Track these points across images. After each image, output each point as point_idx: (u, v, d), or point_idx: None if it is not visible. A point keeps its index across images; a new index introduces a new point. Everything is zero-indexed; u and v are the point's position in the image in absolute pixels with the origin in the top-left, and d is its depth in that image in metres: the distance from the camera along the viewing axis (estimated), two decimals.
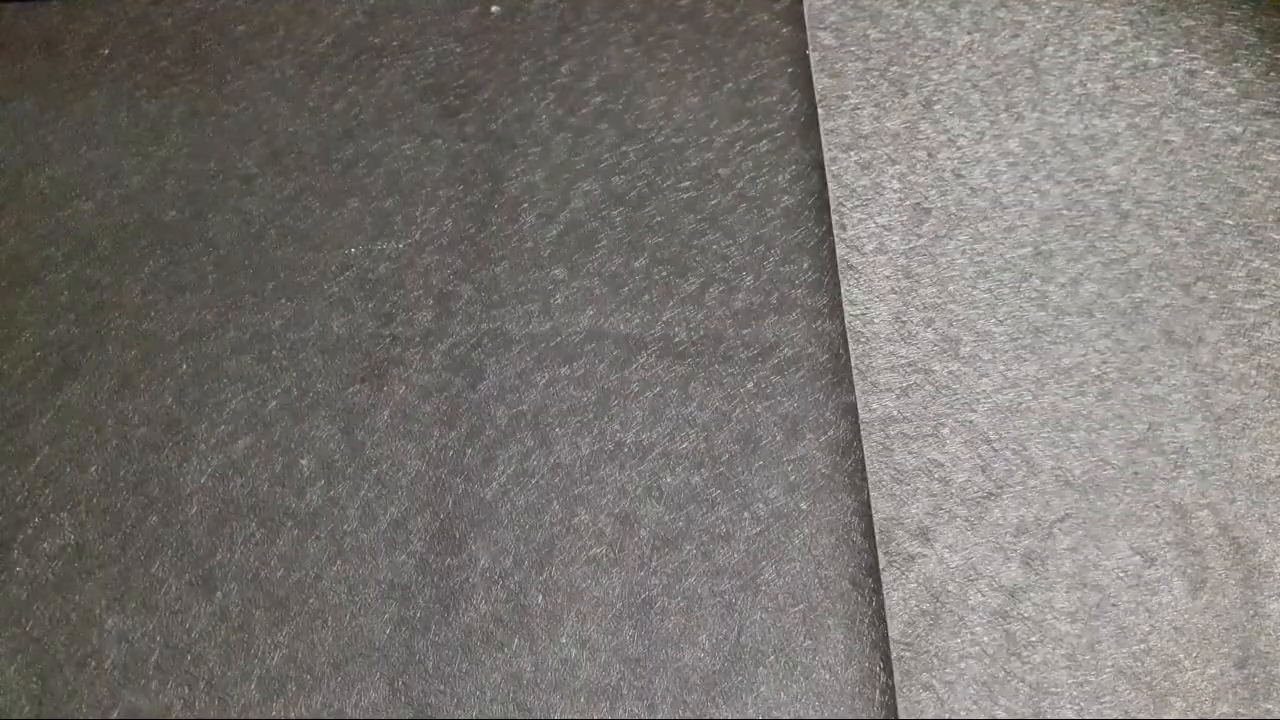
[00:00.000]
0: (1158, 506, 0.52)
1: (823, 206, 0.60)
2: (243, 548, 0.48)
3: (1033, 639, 0.47)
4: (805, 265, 0.57)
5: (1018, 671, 0.47)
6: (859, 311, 0.57)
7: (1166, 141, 0.64)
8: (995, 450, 0.53)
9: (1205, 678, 0.47)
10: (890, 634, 0.47)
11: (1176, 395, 0.55)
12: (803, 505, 0.49)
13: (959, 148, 0.64)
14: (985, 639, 0.47)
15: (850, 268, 0.59)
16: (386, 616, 0.46)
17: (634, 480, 0.50)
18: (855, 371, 0.54)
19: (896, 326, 0.57)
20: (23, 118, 0.65)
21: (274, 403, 0.52)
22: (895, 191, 0.63)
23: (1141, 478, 0.53)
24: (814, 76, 0.66)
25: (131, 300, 0.56)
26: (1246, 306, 0.59)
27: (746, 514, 0.49)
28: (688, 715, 0.44)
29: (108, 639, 0.46)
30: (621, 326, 0.55)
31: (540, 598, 0.47)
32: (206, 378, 0.53)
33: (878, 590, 0.47)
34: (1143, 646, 0.47)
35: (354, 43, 0.68)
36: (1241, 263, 0.60)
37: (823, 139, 0.63)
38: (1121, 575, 0.49)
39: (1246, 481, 0.53)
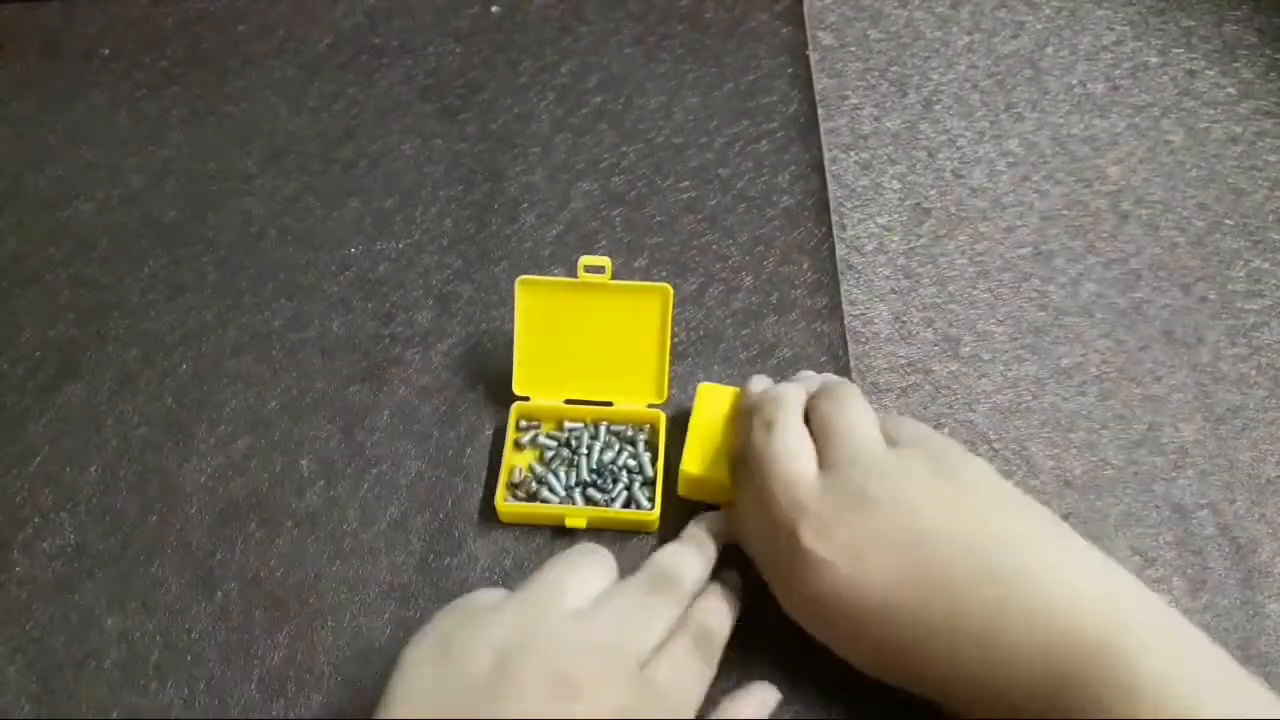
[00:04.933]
0: (1158, 506, 0.52)
1: (822, 207, 0.60)
2: (243, 548, 0.48)
3: None
4: (805, 265, 0.57)
5: None
6: (859, 312, 0.57)
7: (1166, 141, 0.64)
8: (995, 450, 0.53)
9: None
10: None
11: (1176, 395, 0.55)
12: None
13: (959, 148, 0.64)
14: None
15: (850, 268, 0.59)
16: (386, 616, 0.46)
17: None
18: (855, 371, 0.54)
19: (896, 327, 0.57)
20: (23, 118, 0.65)
21: (274, 403, 0.52)
22: (895, 192, 0.63)
23: (1141, 478, 0.53)
24: (814, 77, 0.66)
25: (131, 300, 0.56)
26: (1246, 306, 0.59)
27: None
28: None
29: (108, 639, 0.46)
30: None
31: None
32: (206, 378, 0.53)
33: None
34: None
35: (354, 43, 0.68)
36: (1241, 263, 0.60)
37: (823, 139, 0.63)
38: None
39: (1246, 481, 0.53)
